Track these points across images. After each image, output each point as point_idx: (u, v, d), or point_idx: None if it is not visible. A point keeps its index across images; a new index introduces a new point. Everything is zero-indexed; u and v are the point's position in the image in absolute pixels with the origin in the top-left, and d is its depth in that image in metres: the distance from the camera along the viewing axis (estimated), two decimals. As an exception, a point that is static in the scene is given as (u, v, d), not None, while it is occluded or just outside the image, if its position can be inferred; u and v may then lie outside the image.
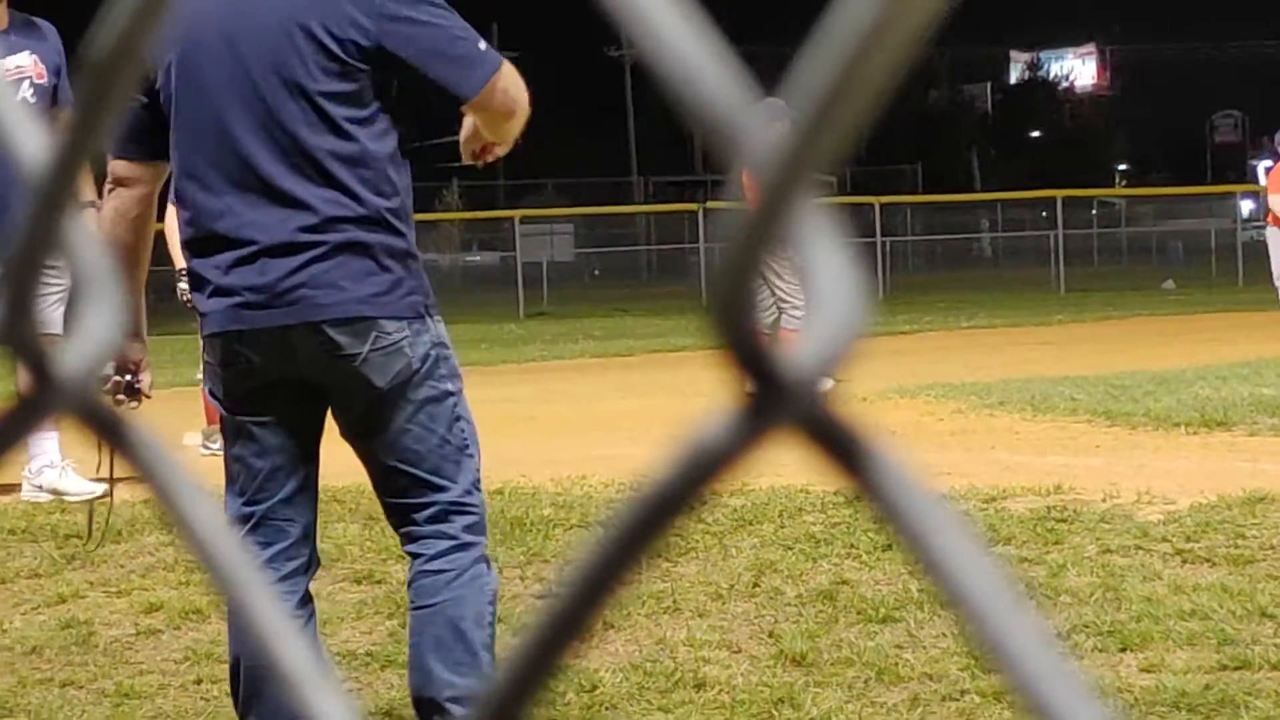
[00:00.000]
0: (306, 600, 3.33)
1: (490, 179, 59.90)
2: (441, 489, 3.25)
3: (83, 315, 0.44)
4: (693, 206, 32.69)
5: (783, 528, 5.99)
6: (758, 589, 5.15)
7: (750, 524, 6.06)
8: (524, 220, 33.32)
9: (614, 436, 9.01)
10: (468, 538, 3.25)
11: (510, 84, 3.19)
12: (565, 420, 10.00)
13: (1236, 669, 4.11)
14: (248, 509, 3.24)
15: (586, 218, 43.81)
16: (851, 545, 5.59)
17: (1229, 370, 11.16)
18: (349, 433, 3.29)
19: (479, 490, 3.32)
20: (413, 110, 3.31)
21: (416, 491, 3.24)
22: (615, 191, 57.96)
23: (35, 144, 0.45)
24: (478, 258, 44.65)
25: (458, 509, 3.26)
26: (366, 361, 3.15)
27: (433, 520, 3.25)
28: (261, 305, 3.15)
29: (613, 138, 64.12)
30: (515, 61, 3.20)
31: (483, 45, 3.19)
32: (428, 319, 3.23)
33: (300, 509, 3.27)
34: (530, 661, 0.39)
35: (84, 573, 5.75)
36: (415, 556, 3.27)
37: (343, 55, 3.11)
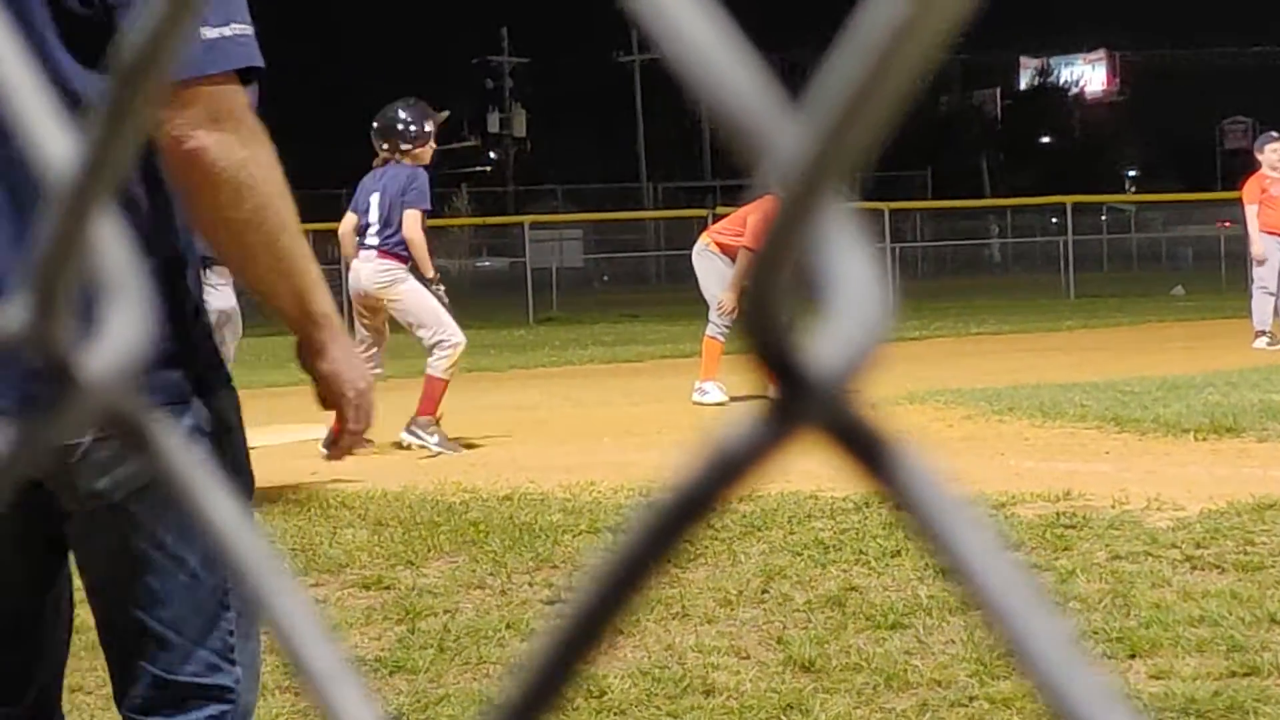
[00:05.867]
0: None
1: (499, 185, 59.97)
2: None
3: (108, 316, 0.45)
4: (702, 212, 32.66)
5: (792, 534, 5.99)
6: (766, 595, 5.14)
7: (759, 530, 6.05)
8: (533, 226, 33.35)
9: (623, 442, 9.01)
10: None
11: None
12: (574, 426, 9.99)
13: (1246, 675, 4.10)
14: None
15: (596, 223, 43.87)
16: (860, 551, 5.59)
17: (1239, 376, 11.14)
18: None
19: None
20: None
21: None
22: (624, 197, 57.98)
23: (62, 144, 0.45)
24: (487, 263, 44.70)
25: None
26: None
27: None
28: None
29: (622, 143, 64.14)
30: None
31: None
32: None
33: (36, 655, 2.20)
34: (547, 668, 0.39)
35: (94, 576, 5.76)
36: None
37: None
